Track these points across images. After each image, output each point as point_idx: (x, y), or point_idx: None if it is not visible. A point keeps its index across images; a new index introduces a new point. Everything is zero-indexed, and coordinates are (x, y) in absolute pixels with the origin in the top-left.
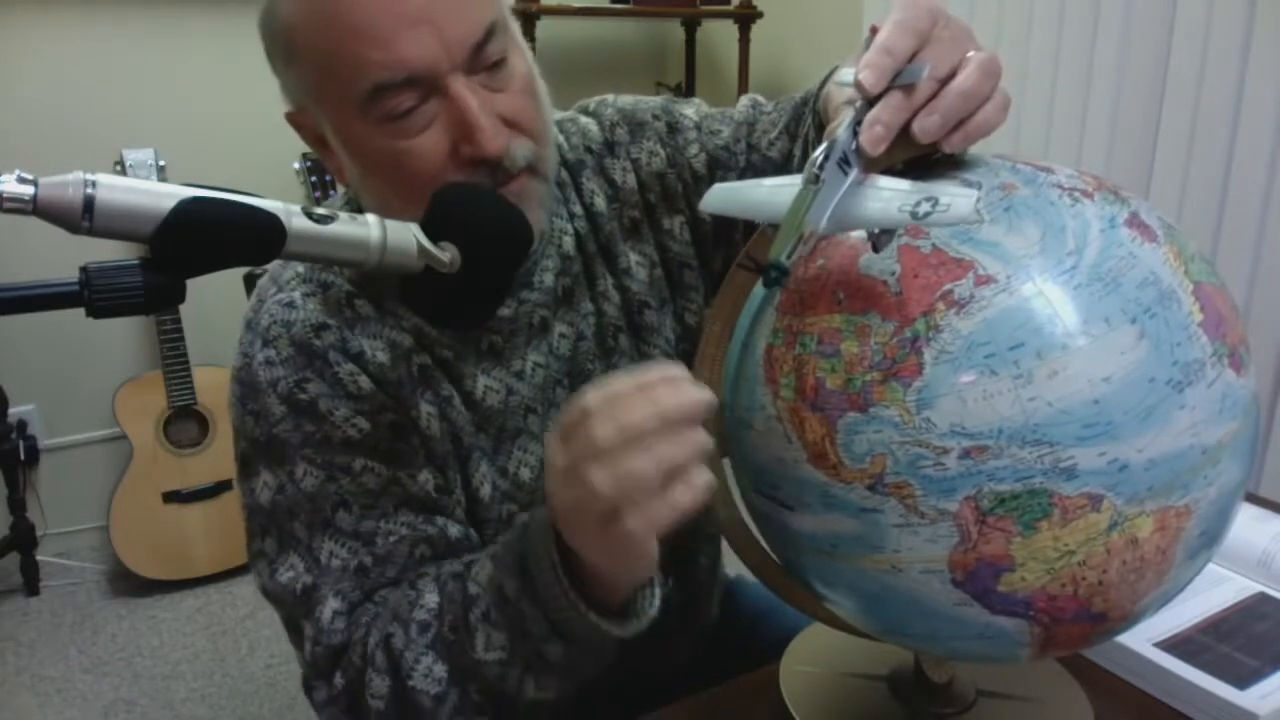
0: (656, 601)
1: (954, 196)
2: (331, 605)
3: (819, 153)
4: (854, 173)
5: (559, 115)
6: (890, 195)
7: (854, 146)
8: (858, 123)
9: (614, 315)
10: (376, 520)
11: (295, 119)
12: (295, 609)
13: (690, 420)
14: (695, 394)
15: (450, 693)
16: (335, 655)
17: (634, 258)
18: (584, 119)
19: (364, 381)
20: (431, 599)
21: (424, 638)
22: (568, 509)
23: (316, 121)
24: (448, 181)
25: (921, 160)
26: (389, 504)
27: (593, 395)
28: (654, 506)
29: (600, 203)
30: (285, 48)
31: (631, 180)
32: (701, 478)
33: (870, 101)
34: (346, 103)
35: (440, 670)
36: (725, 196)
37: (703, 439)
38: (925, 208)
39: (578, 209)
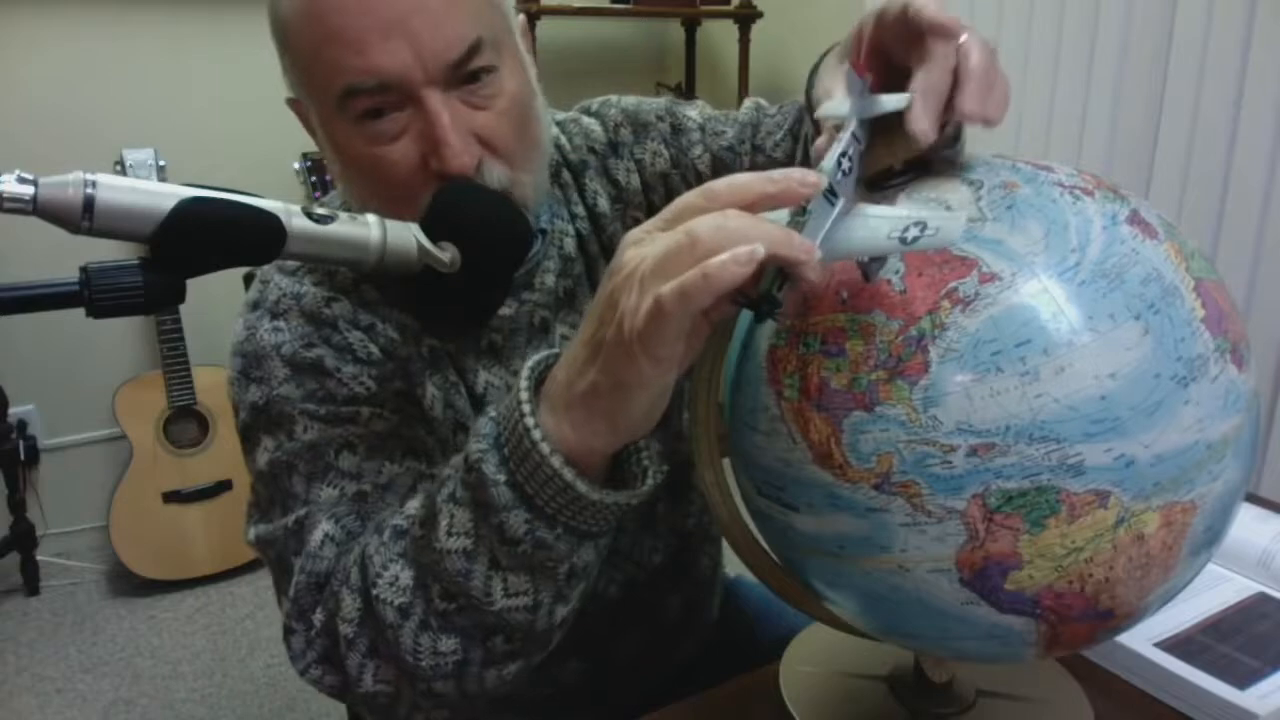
0: (647, 483)
1: (942, 220)
2: (324, 528)
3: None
4: (841, 202)
5: (560, 115)
6: (878, 223)
7: (839, 177)
8: (843, 154)
9: None
10: (381, 461)
11: (294, 106)
12: (286, 545)
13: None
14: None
15: (415, 604)
16: (318, 586)
17: None
18: (586, 119)
19: (373, 349)
20: (413, 504)
21: (397, 545)
22: (619, 279)
23: (308, 112)
24: (442, 185)
25: (919, 162)
26: (396, 449)
27: (717, 181)
28: (690, 277)
29: (604, 203)
30: (280, 40)
31: (635, 181)
32: (745, 250)
33: (858, 137)
34: (326, 100)
35: (406, 578)
36: None
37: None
38: (914, 232)
39: (580, 210)
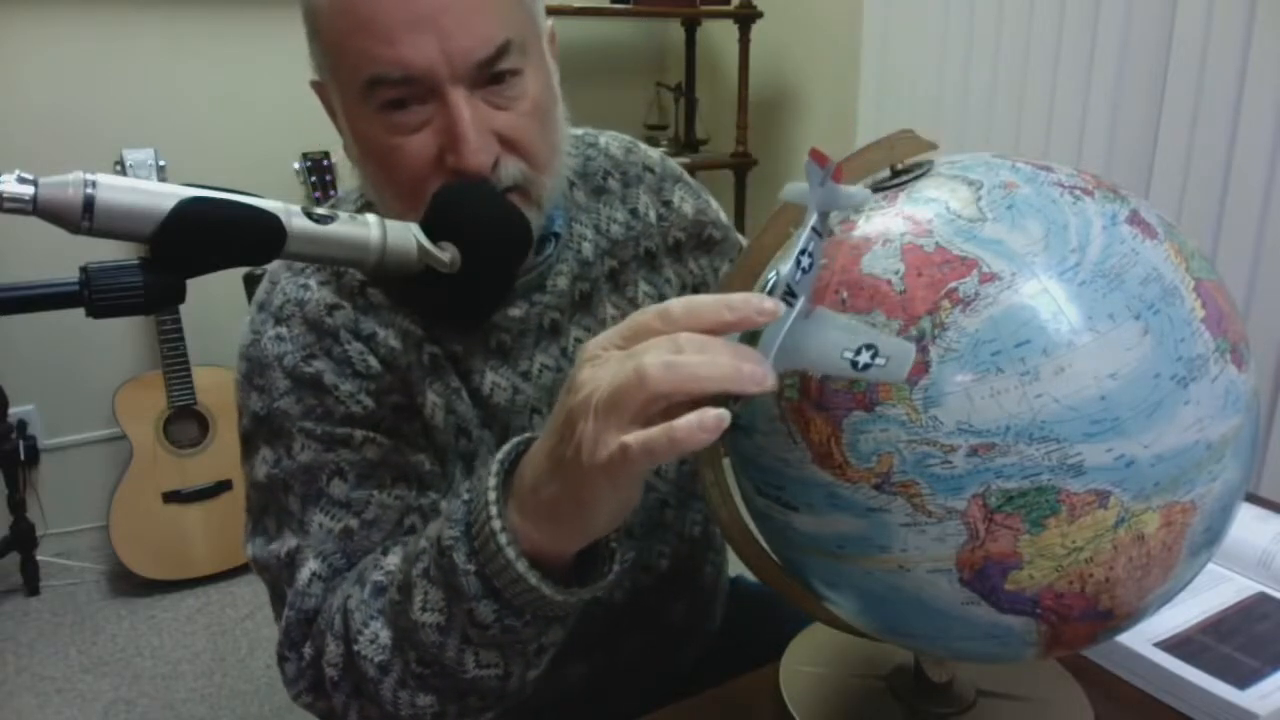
0: (609, 576)
1: (893, 349)
2: (311, 567)
3: (765, 287)
4: (800, 302)
5: (622, 136)
6: (835, 337)
7: (798, 276)
8: (802, 251)
9: None
10: (371, 489)
11: (317, 89)
12: (280, 575)
13: (755, 361)
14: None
15: (393, 663)
16: (307, 622)
17: (673, 271)
18: (645, 146)
19: (373, 361)
20: (392, 560)
21: (377, 601)
22: (575, 401)
23: (331, 97)
24: (443, 184)
25: (916, 167)
26: (386, 475)
27: (674, 302)
28: (656, 437)
29: (652, 215)
30: (310, 24)
31: (688, 209)
32: (712, 417)
33: (819, 231)
34: (350, 87)
35: (385, 636)
36: None
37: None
38: (865, 358)
39: (619, 214)
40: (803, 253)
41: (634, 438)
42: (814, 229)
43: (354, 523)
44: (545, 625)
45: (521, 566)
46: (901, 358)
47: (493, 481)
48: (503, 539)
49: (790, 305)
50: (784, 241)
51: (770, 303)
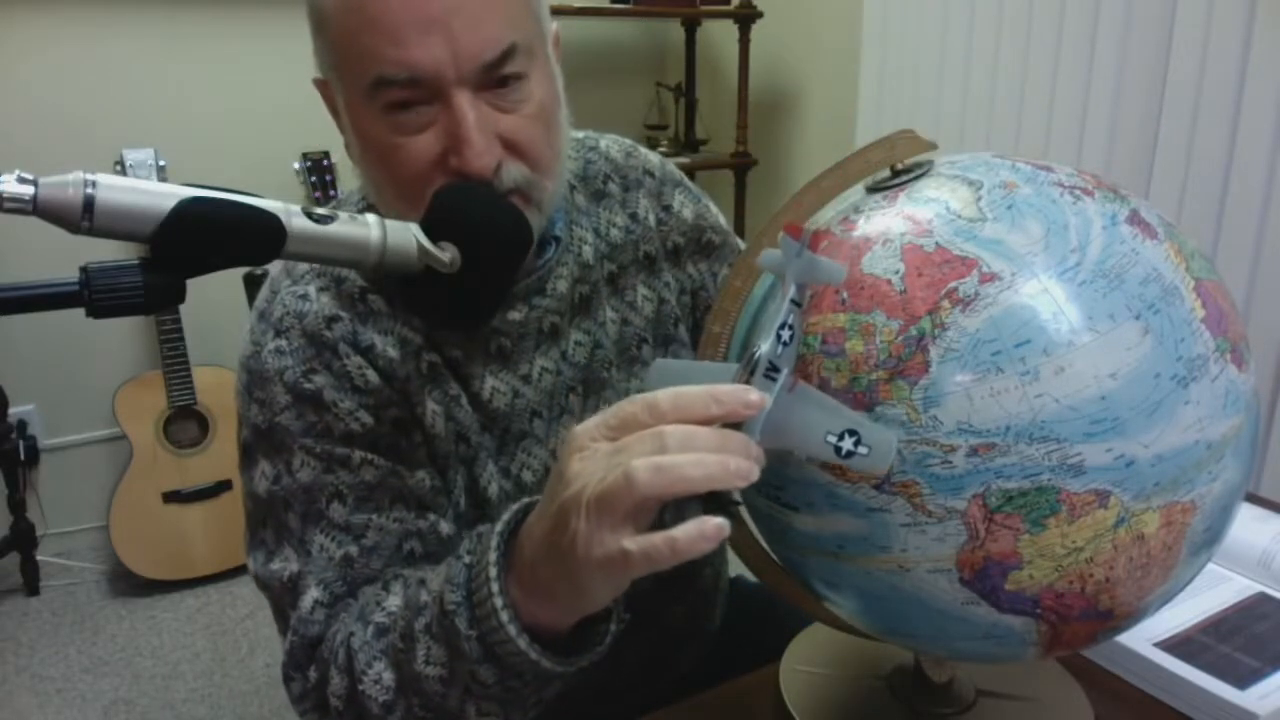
0: (607, 640)
1: (875, 439)
2: (313, 594)
3: (746, 366)
4: (783, 375)
5: (623, 140)
6: (818, 418)
7: (780, 350)
8: (782, 325)
9: (640, 325)
10: (369, 514)
11: (320, 87)
12: (282, 597)
13: (741, 454)
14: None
15: (397, 705)
16: (311, 647)
17: (671, 276)
18: (645, 150)
19: (371, 375)
20: (394, 601)
21: (379, 642)
22: (567, 495)
23: (335, 94)
24: (442, 184)
25: (916, 167)
26: (384, 498)
27: (662, 394)
28: (659, 546)
29: (651, 219)
30: (316, 20)
31: (688, 214)
32: (713, 526)
33: (798, 302)
34: (355, 86)
35: (389, 678)
36: (662, 378)
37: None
38: (848, 445)
39: (619, 218)
40: (783, 326)
41: (635, 545)
42: (793, 301)
43: (354, 549)
44: (544, 684)
45: (523, 643)
46: (884, 449)
47: (493, 556)
48: (504, 616)
49: (773, 381)
50: None
51: (756, 395)
